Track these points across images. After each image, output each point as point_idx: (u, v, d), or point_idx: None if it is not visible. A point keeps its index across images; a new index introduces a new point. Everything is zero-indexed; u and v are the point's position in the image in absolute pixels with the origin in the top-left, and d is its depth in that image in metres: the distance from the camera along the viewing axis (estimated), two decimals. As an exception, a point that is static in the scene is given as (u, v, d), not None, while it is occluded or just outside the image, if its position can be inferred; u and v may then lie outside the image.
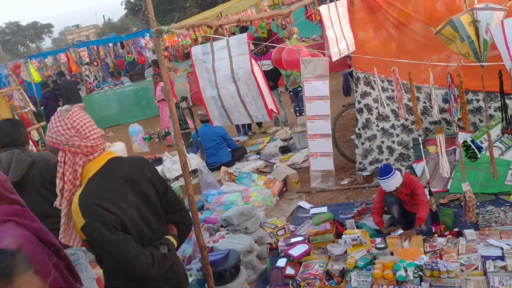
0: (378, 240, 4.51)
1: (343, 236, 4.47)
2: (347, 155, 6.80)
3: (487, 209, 4.62)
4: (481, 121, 5.50)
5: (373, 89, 5.80)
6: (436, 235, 4.37)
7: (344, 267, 4.15)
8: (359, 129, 5.99)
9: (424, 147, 5.81)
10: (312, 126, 5.07)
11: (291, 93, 8.96)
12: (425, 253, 4.14)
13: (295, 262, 4.39)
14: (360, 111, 5.91)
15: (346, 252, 4.36)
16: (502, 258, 3.84)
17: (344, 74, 7.38)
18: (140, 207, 2.30)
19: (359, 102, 5.89)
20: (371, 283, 3.86)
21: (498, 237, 4.14)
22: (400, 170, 4.57)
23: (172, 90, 4.09)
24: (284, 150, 8.14)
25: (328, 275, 4.17)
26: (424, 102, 5.73)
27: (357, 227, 4.79)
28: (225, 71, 3.59)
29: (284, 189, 6.36)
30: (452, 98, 4.23)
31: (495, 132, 5.39)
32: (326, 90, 4.97)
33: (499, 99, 5.27)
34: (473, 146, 4.51)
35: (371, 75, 5.77)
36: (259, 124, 10.10)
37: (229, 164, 7.85)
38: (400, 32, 5.66)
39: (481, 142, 5.45)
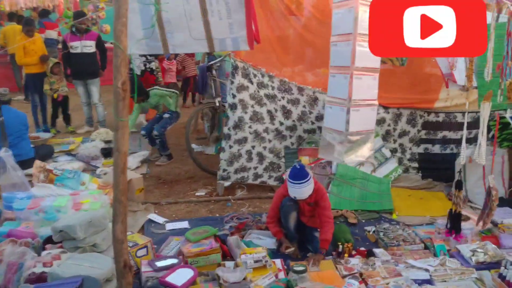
0: (279, 262, 3.48)
1: (242, 257, 3.30)
2: (201, 163, 5.66)
3: (384, 227, 4.09)
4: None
5: (252, 83, 4.89)
6: (346, 254, 3.60)
7: (249, 299, 2.97)
8: (229, 128, 4.94)
9: (297, 157, 5.15)
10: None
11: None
12: (343, 277, 3.31)
13: (177, 294, 3.00)
14: (234, 107, 4.89)
15: (245, 278, 3.20)
16: (429, 281, 3.28)
17: (202, 67, 6.30)
18: None
19: (234, 96, 4.87)
20: (296, 320, 2.80)
21: (411, 258, 3.61)
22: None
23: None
24: (108, 153, 6.46)
25: (227, 311, 2.93)
26: (304, 107, 5.08)
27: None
28: None
29: (124, 197, 4.79)
30: (509, 53, 3.55)
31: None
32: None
33: (379, 111, 5.02)
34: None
35: (250, 67, 4.85)
36: (67, 121, 8.06)
37: (29, 162, 5.77)
38: (287, 22, 4.95)
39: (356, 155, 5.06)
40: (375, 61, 3.76)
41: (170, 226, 4.30)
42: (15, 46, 7.48)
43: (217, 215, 4.59)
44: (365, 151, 3.97)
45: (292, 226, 3.69)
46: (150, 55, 7.79)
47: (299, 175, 3.50)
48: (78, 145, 6.93)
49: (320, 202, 3.70)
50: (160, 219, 4.42)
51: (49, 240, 3.45)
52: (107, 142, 7.00)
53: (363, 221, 4.41)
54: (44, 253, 3.18)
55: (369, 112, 3.79)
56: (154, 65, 7.99)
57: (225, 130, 4.97)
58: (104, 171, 5.72)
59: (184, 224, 4.33)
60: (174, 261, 3.33)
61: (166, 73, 9.32)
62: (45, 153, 6.34)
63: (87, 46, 7.50)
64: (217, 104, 5.91)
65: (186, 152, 6.61)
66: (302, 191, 3.51)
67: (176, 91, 6.53)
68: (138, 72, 7.67)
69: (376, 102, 3.86)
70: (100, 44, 7.69)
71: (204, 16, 2.39)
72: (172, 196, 5.09)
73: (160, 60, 8.97)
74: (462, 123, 5.05)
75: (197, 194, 5.12)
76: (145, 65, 7.85)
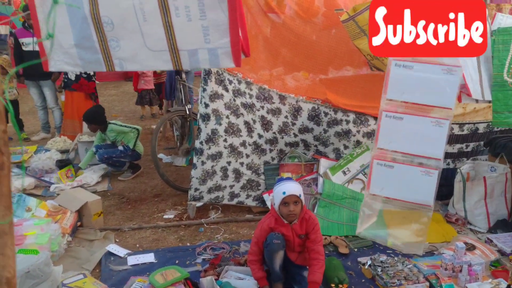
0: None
1: (219, 311, 2.72)
2: (169, 180, 5.01)
3: (381, 260, 3.57)
4: (346, 147, 4.60)
5: (227, 90, 4.29)
6: (341, 300, 3.05)
7: None
8: (201, 142, 4.32)
9: (278, 173, 4.59)
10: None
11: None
12: (340, 331, 2.77)
13: None
14: (206, 118, 4.27)
15: (222, 338, 2.62)
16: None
17: (169, 70, 5.62)
18: None
19: (206, 106, 4.26)
20: None
21: (417, 300, 3.09)
22: None
23: None
24: (64, 165, 5.75)
25: None
26: (286, 117, 4.52)
27: (221, 290, 3.09)
28: None
29: (78, 223, 4.13)
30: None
31: (360, 161, 4.57)
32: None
33: (369, 123, 4.51)
34: None
35: (225, 72, 4.25)
36: (20, 127, 7.26)
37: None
38: (266, 20, 4.37)
39: (344, 172, 4.55)
40: (448, 94, 2.77)
41: (132, 260, 3.66)
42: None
43: (188, 244, 3.97)
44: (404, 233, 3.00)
45: (278, 267, 3.11)
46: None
47: (282, 178, 3.14)
48: (32, 156, 6.18)
49: (311, 234, 3.14)
50: (121, 251, 3.77)
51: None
52: (63, 152, 6.29)
53: (355, 250, 3.88)
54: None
55: (418, 176, 2.85)
56: None
57: (197, 144, 4.35)
58: (59, 188, 5.03)
59: (149, 257, 3.70)
60: (135, 315, 2.72)
61: (140, 79, 8.43)
62: (-9, 166, 5.58)
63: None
64: (187, 112, 5.27)
65: (151, 163, 5.97)
66: (292, 185, 3.03)
67: (137, 127, 5.58)
68: (72, 78, 6.60)
69: (439, 165, 2.99)
70: None
71: (164, 15, 1.70)
72: (136, 219, 4.44)
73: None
74: (459, 136, 4.63)
75: (165, 217, 4.48)
76: None
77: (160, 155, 6.29)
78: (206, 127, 4.29)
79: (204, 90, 4.21)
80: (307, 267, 3.18)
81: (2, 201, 1.26)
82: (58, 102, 7.16)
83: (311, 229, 3.13)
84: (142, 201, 4.88)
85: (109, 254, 3.74)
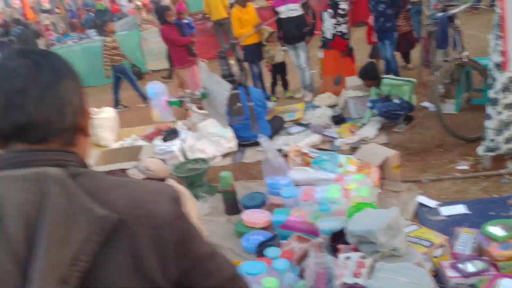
0: None
1: None
2: (452, 129, 5.06)
3: None
4: None
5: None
6: None
7: None
8: (496, 92, 4.21)
9: None
10: None
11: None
12: None
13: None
14: (502, 66, 4.12)
15: None
16: None
17: (442, 17, 5.49)
18: None
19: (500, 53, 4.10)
20: None
21: None
22: None
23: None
24: (339, 120, 6.30)
25: None
26: None
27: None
28: None
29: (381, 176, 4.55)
30: None
31: None
32: None
33: None
34: None
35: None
36: (285, 87, 8.14)
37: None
38: None
39: None
40: None
41: (445, 211, 3.89)
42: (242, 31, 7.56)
43: (496, 195, 4.01)
44: None
45: None
46: (342, 16, 7.09)
47: None
48: (303, 113, 6.92)
49: None
50: (431, 202, 4.05)
51: (334, 239, 3.38)
52: (331, 107, 6.84)
53: None
54: (341, 257, 3.10)
55: None
56: (345, 27, 7.17)
57: (491, 94, 4.25)
58: (343, 142, 5.57)
59: (460, 209, 3.88)
60: (483, 265, 2.96)
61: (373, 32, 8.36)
62: (278, 126, 6.49)
63: (292, 9, 7.32)
64: (465, 59, 5.13)
65: (422, 113, 6.08)
66: None
67: (412, 80, 5.69)
68: (329, 36, 7.18)
69: None
70: (306, 4, 7.40)
71: None
72: (428, 170, 4.65)
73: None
74: None
75: (459, 167, 4.57)
76: (334, 27, 7.14)
77: (425, 103, 6.32)
78: (501, 75, 4.14)
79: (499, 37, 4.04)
80: None
81: None
82: (308, 62, 7.70)
83: None
84: (426, 152, 5.04)
85: (420, 205, 4.05)
